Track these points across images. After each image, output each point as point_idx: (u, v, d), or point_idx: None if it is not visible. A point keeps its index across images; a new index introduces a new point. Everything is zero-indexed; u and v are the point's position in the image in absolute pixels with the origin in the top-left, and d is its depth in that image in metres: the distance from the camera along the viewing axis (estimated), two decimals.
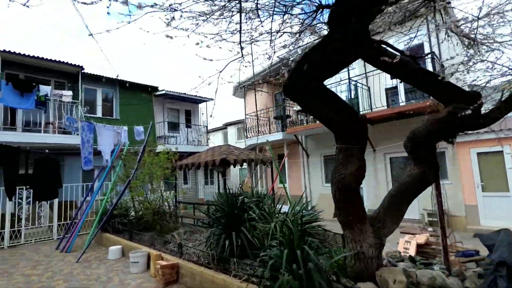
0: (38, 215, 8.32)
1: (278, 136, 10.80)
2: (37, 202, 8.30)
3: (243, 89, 14.07)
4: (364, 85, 9.01)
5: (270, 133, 11.60)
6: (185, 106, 13.65)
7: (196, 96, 13.01)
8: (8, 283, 4.95)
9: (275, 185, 9.54)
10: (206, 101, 13.59)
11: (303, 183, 10.64)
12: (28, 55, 8.09)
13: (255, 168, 13.54)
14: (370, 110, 8.69)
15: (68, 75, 9.81)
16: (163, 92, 11.93)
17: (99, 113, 10.60)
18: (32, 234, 8.23)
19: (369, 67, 8.86)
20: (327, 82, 3.17)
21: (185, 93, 12.06)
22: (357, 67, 9.40)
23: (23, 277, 5.23)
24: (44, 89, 7.84)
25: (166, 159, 6.95)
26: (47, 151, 5.91)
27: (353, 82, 8.76)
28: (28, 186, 7.11)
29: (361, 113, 8.36)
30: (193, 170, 13.09)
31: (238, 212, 4.57)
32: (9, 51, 7.72)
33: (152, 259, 5.04)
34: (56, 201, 8.50)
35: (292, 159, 11.17)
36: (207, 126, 13.56)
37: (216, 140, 19.40)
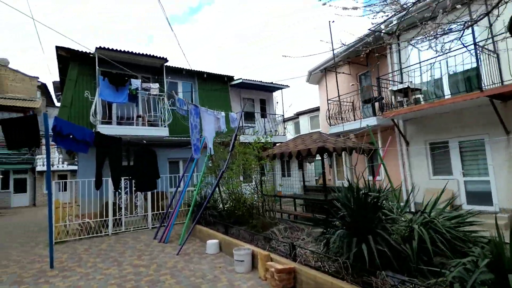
0: (135, 205, 8.69)
1: (369, 121, 9.45)
2: (133, 192, 8.69)
3: (320, 73, 12.93)
4: (491, 51, 7.10)
5: (354, 119, 10.32)
6: (260, 95, 13.16)
7: (271, 83, 12.39)
8: (120, 272, 4.96)
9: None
10: (281, 88, 12.86)
11: (402, 175, 9.14)
12: (121, 50, 8.39)
13: (335, 159, 12.38)
14: (499, 84, 6.81)
15: (151, 69, 10.05)
16: (239, 81, 11.56)
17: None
18: (130, 222, 8.64)
19: (496, 29, 6.94)
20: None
21: (261, 81, 11.51)
22: (478, 29, 7.48)
23: (131, 267, 5.21)
24: (135, 83, 8.05)
25: (260, 149, 6.40)
26: (144, 141, 5.85)
27: (478, 48, 6.94)
28: (130, 177, 7.33)
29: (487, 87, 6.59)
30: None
31: (368, 211, 3.66)
32: (104, 48, 8.08)
33: (260, 258, 4.48)
34: (149, 192, 8.77)
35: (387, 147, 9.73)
36: (283, 115, 12.85)
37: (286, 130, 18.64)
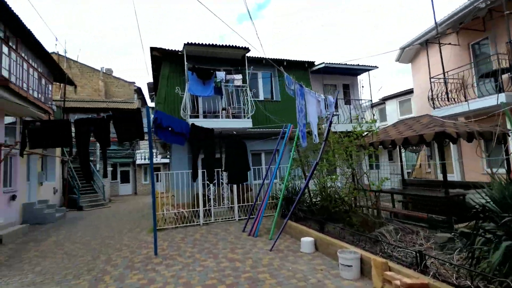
0: (222, 196, 8.82)
1: (490, 101, 7.54)
2: (220, 184, 8.82)
3: (415, 48, 11.04)
4: None
5: (465, 99, 8.39)
6: (343, 80, 12.05)
7: (357, 65, 11.14)
8: (217, 266, 4.87)
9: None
10: (368, 69, 11.47)
11: None
12: (207, 44, 8.53)
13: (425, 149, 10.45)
14: None
15: (232, 62, 10.04)
16: (322, 65, 10.70)
17: (261, 96, 10.51)
18: (218, 213, 8.83)
19: None
20: None
21: (346, 63, 10.43)
22: None
23: (227, 261, 5.10)
24: (220, 75, 8.10)
25: (359, 137, 5.59)
26: (234, 132, 5.67)
27: None
28: (221, 169, 7.38)
29: None
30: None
31: None
32: (191, 43, 8.32)
33: (375, 266, 3.75)
34: (235, 184, 8.80)
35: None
36: (371, 100, 11.46)
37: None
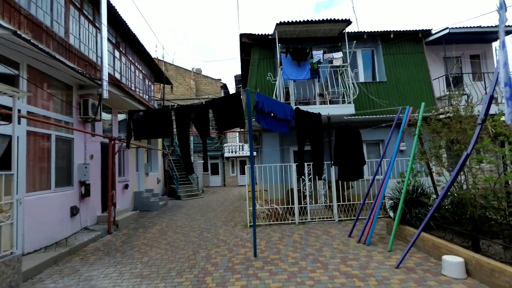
0: (318, 193, 7.86)
1: None
2: (317, 179, 7.86)
3: None
4: None
5: None
6: (470, 49, 9.43)
7: (493, 28, 8.46)
8: (332, 282, 3.96)
9: None
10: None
11: None
12: (300, 21, 7.59)
13: None
14: None
15: (327, 40, 8.84)
16: (444, 32, 8.45)
17: (361, 78, 9.02)
18: (314, 211, 7.91)
19: None
20: None
21: (479, 26, 7.96)
22: None
23: (342, 276, 4.13)
24: (317, 55, 7.08)
25: None
26: (345, 118, 4.62)
27: None
28: (332, 163, 6.44)
29: None
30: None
31: None
32: (284, 23, 7.53)
33: None
34: (333, 179, 7.72)
35: None
36: None
37: None
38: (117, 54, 11.00)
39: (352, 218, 7.70)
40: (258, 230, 7.10)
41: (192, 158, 17.81)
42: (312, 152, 4.48)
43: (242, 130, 10.00)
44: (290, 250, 5.40)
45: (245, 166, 20.40)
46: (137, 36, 11.81)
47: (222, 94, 27.68)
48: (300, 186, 7.72)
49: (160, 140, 15.44)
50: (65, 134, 6.91)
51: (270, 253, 5.28)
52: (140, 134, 4.09)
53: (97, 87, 7.47)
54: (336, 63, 7.23)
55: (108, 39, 9.63)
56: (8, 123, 5.06)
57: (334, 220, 7.66)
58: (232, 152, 21.39)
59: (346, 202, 7.80)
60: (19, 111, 5.24)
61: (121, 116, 10.63)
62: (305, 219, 7.69)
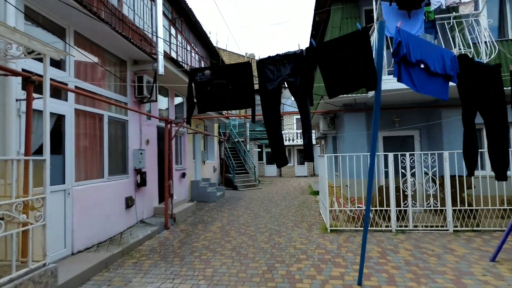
0: (426, 192, 5.90)
1: None
2: (422, 174, 5.90)
3: None
4: None
5: None
6: None
7: None
8: None
9: None
10: None
11: None
12: None
13: None
14: None
15: None
16: None
17: (509, 33, 6.43)
18: (416, 217, 5.99)
19: None
20: None
21: None
22: None
23: None
24: (436, 0, 5.00)
25: None
26: None
27: None
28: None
29: None
30: None
31: None
32: None
33: None
34: (447, 173, 5.70)
35: None
36: None
37: None
38: (172, 31, 10.12)
39: (474, 229, 5.63)
40: (344, 238, 5.51)
41: (245, 145, 16.71)
42: (489, 133, 2.72)
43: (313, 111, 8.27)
44: (410, 278, 3.72)
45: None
46: (193, 11, 10.80)
47: None
48: (399, 183, 5.86)
49: (216, 126, 14.57)
50: (119, 115, 6.08)
51: (381, 281, 3.67)
52: (206, 104, 2.83)
53: (152, 61, 6.50)
54: (464, 10, 5.09)
55: (164, 14, 8.70)
56: (55, 98, 4.26)
57: (448, 230, 5.67)
58: (289, 140, 19.82)
59: (466, 207, 5.74)
60: (65, 84, 4.39)
61: (178, 100, 9.78)
62: (405, 226, 5.84)
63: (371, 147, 2.64)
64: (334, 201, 6.62)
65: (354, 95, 6.19)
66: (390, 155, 5.89)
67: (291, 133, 19.89)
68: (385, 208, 5.92)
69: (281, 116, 2.71)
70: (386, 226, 5.90)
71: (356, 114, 6.76)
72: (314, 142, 19.88)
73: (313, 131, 17.68)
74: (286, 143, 19.95)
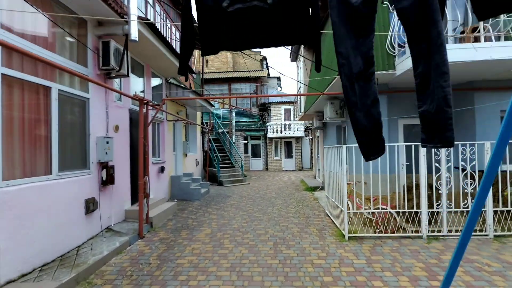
0: (463, 190, 4.90)
1: None
2: (460, 169, 4.90)
3: None
4: None
5: None
6: None
7: None
8: None
9: None
10: None
11: None
12: None
13: None
14: None
15: None
16: None
17: None
18: (452, 221, 5.00)
19: None
20: None
21: None
22: None
23: None
24: None
25: None
26: None
27: None
28: None
29: None
30: None
31: None
32: None
33: None
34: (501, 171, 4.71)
35: None
36: None
37: None
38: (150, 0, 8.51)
39: None
40: (368, 248, 4.42)
41: (231, 136, 15.37)
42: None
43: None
44: None
45: (293, 149, 17.86)
46: None
47: (263, 69, 24.78)
48: (432, 179, 4.83)
49: (198, 115, 13.08)
50: (76, 90, 4.56)
51: None
52: (220, 37, 1.49)
53: (122, 23, 4.98)
54: None
55: None
56: None
57: (487, 235, 4.73)
58: (276, 132, 18.66)
59: (508, 208, 4.82)
60: None
61: (156, 81, 8.24)
62: (438, 231, 4.84)
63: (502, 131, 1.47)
64: (348, 201, 5.53)
65: (377, 72, 5.05)
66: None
67: (279, 124, 18.74)
68: (414, 210, 4.87)
69: (373, 61, 1.44)
70: (416, 232, 4.87)
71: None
72: (302, 134, 18.86)
73: (307, 121, 16.41)
74: (273, 135, 18.79)
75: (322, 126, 9.77)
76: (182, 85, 9.70)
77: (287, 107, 19.54)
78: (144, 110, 5.53)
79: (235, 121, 17.53)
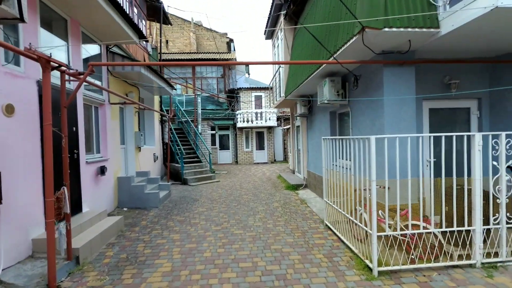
0: None
1: None
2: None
3: None
4: None
5: None
6: None
7: None
8: None
9: None
10: None
11: None
12: None
13: None
14: None
15: None
16: None
17: None
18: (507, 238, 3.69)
19: None
20: None
21: None
22: None
23: None
24: None
25: None
26: None
27: None
28: None
29: None
30: None
31: None
32: None
33: None
34: None
35: None
36: None
37: None
38: None
39: None
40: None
41: (196, 126, 13.33)
42: None
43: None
44: None
45: (265, 140, 16.30)
46: None
47: (231, 52, 22.64)
48: (489, 185, 3.44)
49: (156, 99, 10.79)
50: None
51: None
52: None
53: None
54: None
55: None
56: None
57: None
58: (246, 121, 16.86)
59: None
60: None
61: (92, 50, 5.96)
62: (495, 255, 3.50)
63: None
64: (362, 212, 4.02)
65: (409, 29, 3.47)
66: (477, 136, 3.40)
67: (249, 112, 16.96)
68: (466, 228, 3.47)
69: None
70: (467, 258, 3.48)
71: (402, 70, 4.10)
72: (274, 123, 17.33)
73: (282, 109, 14.56)
74: (244, 124, 16.97)
75: (307, 112, 8.20)
76: (132, 57, 7.45)
77: (258, 93, 17.81)
78: (56, 82, 3.40)
79: (201, 109, 15.38)
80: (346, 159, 4.13)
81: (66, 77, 3.82)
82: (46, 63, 3.08)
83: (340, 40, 4.17)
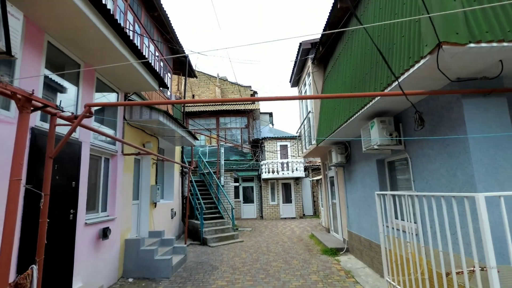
0: None
1: None
2: None
3: None
4: None
5: None
6: None
7: None
8: None
9: None
10: None
11: None
12: None
13: None
14: None
15: None
16: None
17: None
18: None
19: None
20: None
21: None
22: None
23: None
24: None
25: None
26: None
27: None
28: None
29: None
30: None
31: None
32: None
33: None
34: None
35: None
36: None
37: None
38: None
39: None
40: None
41: (219, 178, 12.43)
42: None
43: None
44: None
45: (292, 192, 14.85)
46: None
47: (254, 103, 22.80)
48: None
49: (178, 149, 10.23)
50: None
51: None
52: None
53: None
54: None
55: None
56: None
57: None
58: (272, 172, 15.82)
59: None
60: None
61: (112, 96, 5.57)
62: None
63: None
64: None
65: (505, 44, 2.53)
66: None
67: (274, 162, 16.01)
68: None
69: None
70: None
71: (488, 101, 3.06)
72: (302, 174, 16.11)
73: (309, 159, 13.49)
74: (269, 175, 15.90)
75: (345, 162, 7.08)
76: (152, 107, 7.01)
77: (284, 143, 17.02)
78: (45, 126, 2.71)
79: (224, 160, 14.69)
80: (414, 222, 2.91)
81: (62, 121, 3.16)
82: (26, 101, 2.40)
83: (397, 68, 3.28)
